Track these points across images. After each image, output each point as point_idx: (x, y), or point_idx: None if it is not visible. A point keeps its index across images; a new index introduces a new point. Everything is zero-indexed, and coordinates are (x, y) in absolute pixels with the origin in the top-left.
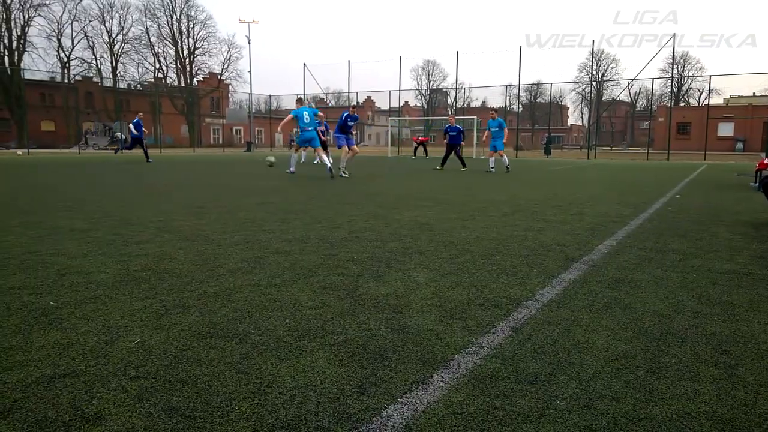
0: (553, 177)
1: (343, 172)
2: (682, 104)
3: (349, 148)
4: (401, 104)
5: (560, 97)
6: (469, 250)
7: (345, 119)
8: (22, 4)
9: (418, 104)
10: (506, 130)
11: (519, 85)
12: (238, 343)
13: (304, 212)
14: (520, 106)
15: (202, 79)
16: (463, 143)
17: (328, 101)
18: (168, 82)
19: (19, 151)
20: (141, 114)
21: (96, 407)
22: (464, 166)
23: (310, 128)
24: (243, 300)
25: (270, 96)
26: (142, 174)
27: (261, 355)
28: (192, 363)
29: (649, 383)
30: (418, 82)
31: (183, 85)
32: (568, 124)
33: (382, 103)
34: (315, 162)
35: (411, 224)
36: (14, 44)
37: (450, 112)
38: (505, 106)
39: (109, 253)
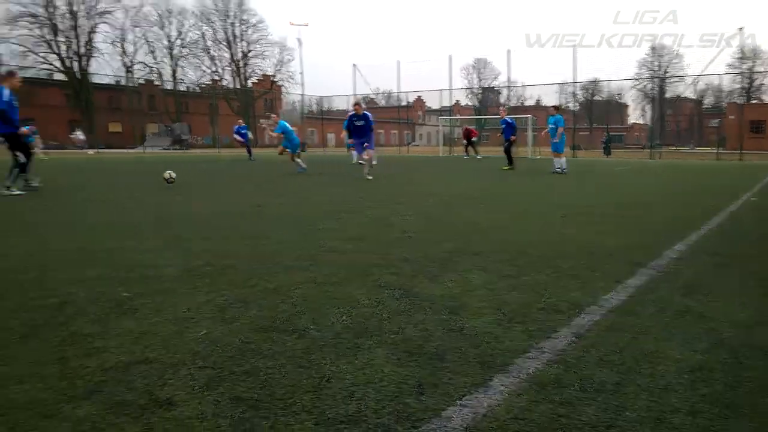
0: (615, 178)
1: (367, 175)
2: (754, 101)
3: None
4: (452, 103)
5: (619, 94)
6: (527, 252)
7: (350, 120)
8: (87, 11)
9: (470, 103)
10: (560, 128)
11: (575, 82)
12: (298, 338)
13: (357, 212)
14: (577, 104)
15: (256, 81)
16: (513, 138)
17: (378, 101)
18: (224, 84)
19: (90, 151)
20: (241, 121)
21: (168, 393)
22: (510, 164)
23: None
24: (301, 296)
25: (321, 97)
26: (207, 172)
27: (320, 351)
28: (255, 355)
29: (727, 398)
30: (468, 81)
31: (238, 87)
32: (629, 122)
33: (432, 103)
34: (354, 162)
35: (465, 225)
36: (82, 50)
37: (502, 107)
38: (561, 104)
39: (175, 248)
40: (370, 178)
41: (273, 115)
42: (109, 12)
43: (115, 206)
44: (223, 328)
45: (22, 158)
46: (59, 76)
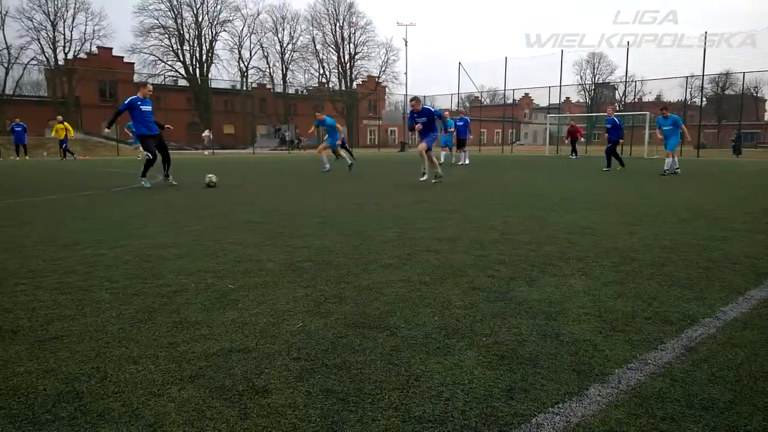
0: (746, 179)
1: (435, 177)
2: None
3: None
4: (561, 101)
5: (755, 87)
6: (636, 258)
7: (411, 118)
8: (210, 21)
9: (581, 100)
10: (684, 127)
11: (702, 75)
12: (389, 335)
13: (456, 212)
14: (704, 99)
15: (360, 83)
16: (622, 140)
17: (482, 100)
18: (330, 86)
19: (206, 152)
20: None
21: (264, 381)
22: (608, 166)
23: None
24: (394, 294)
25: (424, 96)
26: (308, 171)
27: (410, 349)
28: (347, 350)
29: None
30: (581, 77)
31: (343, 88)
32: (767, 118)
33: (541, 100)
34: (458, 162)
35: (570, 227)
36: (204, 57)
37: (610, 105)
38: (685, 99)
39: (277, 244)
40: (424, 179)
41: (317, 113)
42: (230, 21)
43: (225, 204)
44: (318, 322)
45: (149, 156)
46: (182, 83)
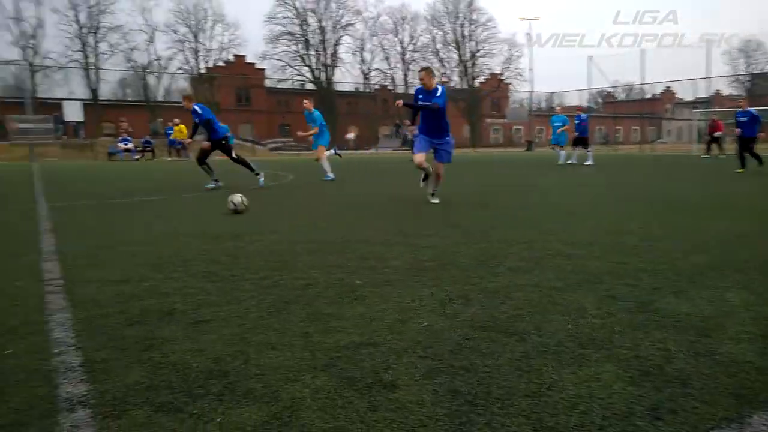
0: None
1: (431, 195)
2: None
3: (437, 163)
4: (711, 94)
5: None
6: None
7: (416, 98)
8: (333, 25)
9: (734, 92)
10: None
11: None
12: (518, 341)
13: (587, 214)
14: None
15: (483, 81)
16: (761, 134)
17: (616, 95)
18: (452, 85)
19: (331, 152)
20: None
21: (392, 376)
22: (742, 166)
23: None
24: (523, 299)
25: (551, 93)
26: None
27: (541, 357)
28: (473, 352)
29: None
30: (733, 67)
31: (465, 87)
32: None
33: (685, 94)
34: (560, 163)
35: (723, 235)
36: (328, 60)
37: (742, 98)
38: None
39: (402, 242)
40: (436, 201)
41: (305, 101)
42: (351, 24)
43: (349, 204)
44: (443, 322)
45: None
46: (309, 86)
